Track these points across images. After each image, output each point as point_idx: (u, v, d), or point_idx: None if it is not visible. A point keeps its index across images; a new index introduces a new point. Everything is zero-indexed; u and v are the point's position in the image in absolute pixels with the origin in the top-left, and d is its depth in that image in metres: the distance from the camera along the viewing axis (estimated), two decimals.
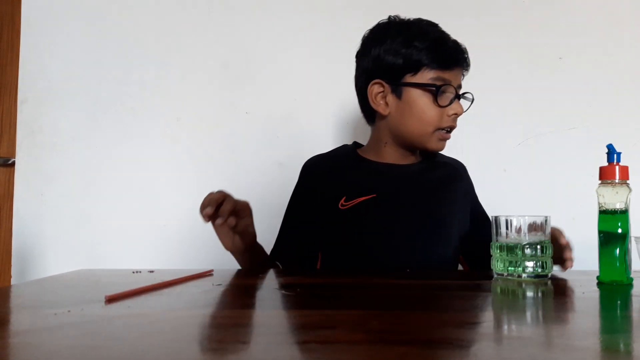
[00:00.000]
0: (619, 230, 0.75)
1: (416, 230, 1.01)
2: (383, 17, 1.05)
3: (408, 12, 1.04)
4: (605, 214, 0.76)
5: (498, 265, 0.81)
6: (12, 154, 1.58)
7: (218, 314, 0.59)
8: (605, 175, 0.77)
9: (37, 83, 1.57)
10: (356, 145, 1.14)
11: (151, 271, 0.90)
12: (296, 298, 0.68)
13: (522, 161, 1.47)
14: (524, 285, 0.76)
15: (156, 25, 1.57)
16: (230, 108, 1.54)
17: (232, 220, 0.89)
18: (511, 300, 0.69)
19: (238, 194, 0.92)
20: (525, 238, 0.79)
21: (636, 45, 1.47)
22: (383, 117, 1.03)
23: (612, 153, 0.77)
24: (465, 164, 1.16)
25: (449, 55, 0.99)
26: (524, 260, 0.78)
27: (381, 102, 1.02)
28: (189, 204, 1.50)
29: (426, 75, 0.98)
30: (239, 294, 0.76)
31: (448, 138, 1.02)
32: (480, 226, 1.07)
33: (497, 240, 0.81)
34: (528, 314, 0.60)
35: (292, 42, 1.54)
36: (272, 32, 1.54)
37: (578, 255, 0.88)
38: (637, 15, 1.48)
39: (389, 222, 1.01)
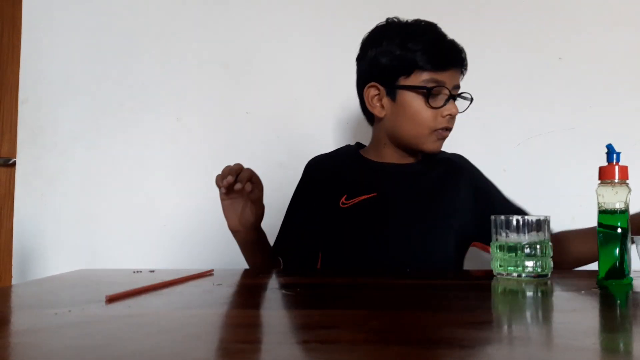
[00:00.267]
0: (619, 230, 0.75)
1: (416, 229, 1.01)
2: (384, 16, 1.05)
3: (408, 12, 1.04)
4: (605, 214, 0.76)
5: (498, 265, 0.81)
6: (13, 154, 1.58)
7: (218, 314, 0.59)
8: (604, 175, 0.77)
9: (38, 83, 1.57)
10: (359, 145, 1.15)
11: (152, 271, 0.91)
12: (296, 298, 0.68)
13: (522, 161, 1.47)
14: (524, 285, 0.76)
15: (156, 25, 1.57)
16: (231, 108, 1.54)
17: (249, 186, 0.91)
18: (511, 300, 0.69)
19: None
20: (525, 238, 0.79)
21: (636, 45, 1.47)
22: (380, 119, 1.04)
23: (611, 153, 0.77)
24: None
25: (443, 56, 0.98)
26: (524, 260, 0.78)
27: (377, 104, 1.03)
28: (189, 204, 1.52)
29: (419, 77, 0.97)
30: (240, 294, 0.76)
31: (446, 136, 1.02)
32: (498, 204, 1.05)
33: (497, 240, 0.81)
34: (528, 314, 0.60)
35: (293, 42, 1.54)
36: (273, 32, 1.55)
37: None
38: (637, 15, 1.48)
39: (389, 220, 1.01)
